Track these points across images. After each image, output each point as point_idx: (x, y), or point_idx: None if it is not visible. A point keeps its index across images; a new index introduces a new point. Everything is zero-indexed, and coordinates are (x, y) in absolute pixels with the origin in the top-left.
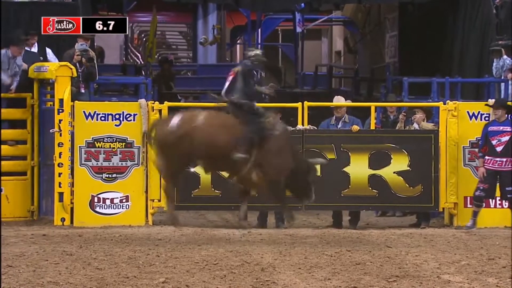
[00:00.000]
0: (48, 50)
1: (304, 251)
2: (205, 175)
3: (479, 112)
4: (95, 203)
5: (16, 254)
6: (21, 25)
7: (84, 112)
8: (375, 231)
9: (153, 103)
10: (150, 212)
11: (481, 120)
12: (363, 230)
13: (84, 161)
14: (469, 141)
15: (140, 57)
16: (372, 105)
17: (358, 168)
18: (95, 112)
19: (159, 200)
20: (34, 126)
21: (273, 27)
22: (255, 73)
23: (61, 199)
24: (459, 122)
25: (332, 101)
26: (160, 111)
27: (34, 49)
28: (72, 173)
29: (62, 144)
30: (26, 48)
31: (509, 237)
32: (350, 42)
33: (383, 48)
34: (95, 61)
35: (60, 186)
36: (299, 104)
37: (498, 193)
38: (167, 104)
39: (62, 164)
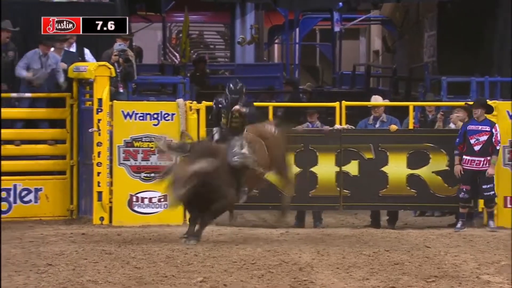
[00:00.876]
0: (86, 51)
1: (342, 251)
2: None
3: None
4: (134, 202)
5: (55, 253)
6: None
7: (122, 111)
8: (414, 231)
9: (191, 103)
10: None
11: None
12: (401, 230)
13: (123, 160)
14: (509, 140)
15: (178, 57)
16: (411, 104)
17: (396, 167)
18: (133, 111)
19: None
20: (73, 125)
21: (311, 26)
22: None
23: (99, 198)
24: (498, 121)
25: (370, 101)
26: (198, 110)
27: (73, 49)
28: (110, 173)
29: (101, 143)
30: (65, 48)
31: None
32: (388, 41)
33: (422, 48)
34: (134, 61)
35: (99, 185)
36: (337, 104)
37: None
38: (204, 103)
39: (100, 163)
